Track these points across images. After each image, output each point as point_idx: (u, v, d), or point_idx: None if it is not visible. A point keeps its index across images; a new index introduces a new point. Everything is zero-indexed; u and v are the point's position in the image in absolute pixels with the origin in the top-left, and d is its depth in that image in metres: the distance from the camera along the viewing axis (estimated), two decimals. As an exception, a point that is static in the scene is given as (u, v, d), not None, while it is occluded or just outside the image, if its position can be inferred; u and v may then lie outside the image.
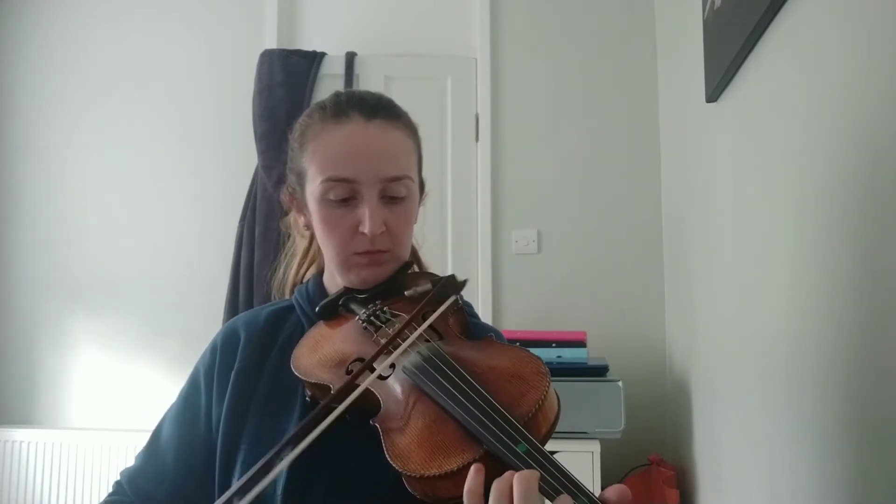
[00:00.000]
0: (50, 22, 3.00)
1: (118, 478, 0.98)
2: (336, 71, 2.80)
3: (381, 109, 0.91)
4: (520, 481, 0.59)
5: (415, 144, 0.96)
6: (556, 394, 0.72)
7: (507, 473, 0.61)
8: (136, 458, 0.99)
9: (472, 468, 0.62)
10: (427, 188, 1.02)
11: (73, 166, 2.92)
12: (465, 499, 0.62)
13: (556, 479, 0.61)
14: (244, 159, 2.75)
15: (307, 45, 2.87)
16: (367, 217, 0.87)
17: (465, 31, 2.89)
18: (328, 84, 2.76)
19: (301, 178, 0.94)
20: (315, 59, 2.79)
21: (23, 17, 3.00)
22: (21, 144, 2.95)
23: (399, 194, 0.90)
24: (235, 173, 2.77)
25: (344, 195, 0.89)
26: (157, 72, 2.93)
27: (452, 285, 0.89)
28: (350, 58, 2.82)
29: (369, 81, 2.80)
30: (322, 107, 0.93)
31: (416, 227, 0.99)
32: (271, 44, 2.86)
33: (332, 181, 0.88)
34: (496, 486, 0.61)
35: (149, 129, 2.91)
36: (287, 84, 2.71)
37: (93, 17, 2.98)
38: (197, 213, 2.86)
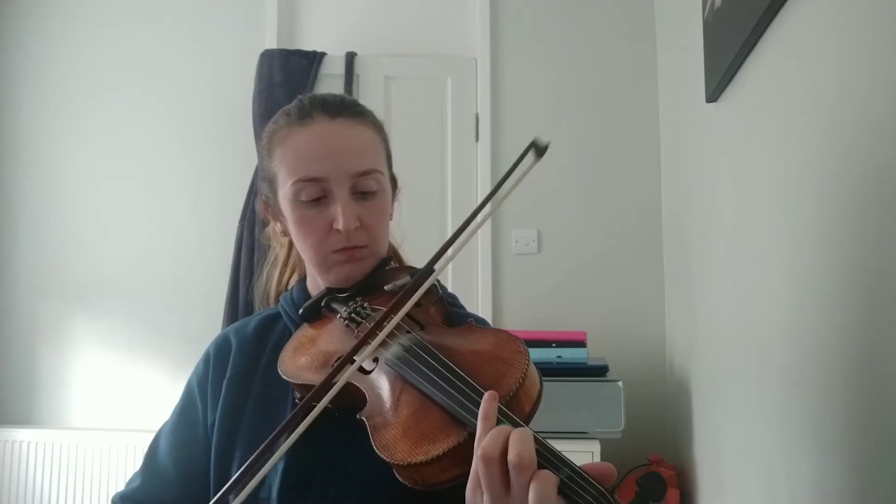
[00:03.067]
0: (51, 23, 2.99)
1: None
2: (336, 71, 2.80)
3: (344, 108, 0.93)
4: (517, 437, 0.61)
5: (382, 140, 0.97)
6: (538, 371, 0.73)
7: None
8: (130, 480, 0.97)
9: (487, 395, 0.64)
10: (402, 183, 1.03)
11: (73, 166, 2.92)
12: (479, 424, 0.63)
13: (538, 454, 0.61)
14: (244, 159, 2.75)
15: (307, 45, 2.86)
16: (340, 213, 0.88)
17: (465, 31, 2.89)
18: (328, 84, 2.75)
19: (272, 183, 0.94)
20: (315, 59, 2.79)
21: (24, 18, 3.00)
22: (21, 145, 2.95)
23: (370, 189, 0.91)
24: (235, 173, 2.77)
25: (315, 195, 0.89)
26: (157, 72, 2.93)
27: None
28: (350, 58, 2.82)
29: (369, 81, 2.80)
30: (287, 112, 0.94)
31: (393, 224, 1.00)
32: (271, 44, 2.86)
33: (302, 182, 0.89)
34: (499, 428, 0.62)
35: (149, 129, 2.91)
36: (287, 84, 2.71)
37: (93, 19, 2.98)
38: (197, 213, 2.86)
